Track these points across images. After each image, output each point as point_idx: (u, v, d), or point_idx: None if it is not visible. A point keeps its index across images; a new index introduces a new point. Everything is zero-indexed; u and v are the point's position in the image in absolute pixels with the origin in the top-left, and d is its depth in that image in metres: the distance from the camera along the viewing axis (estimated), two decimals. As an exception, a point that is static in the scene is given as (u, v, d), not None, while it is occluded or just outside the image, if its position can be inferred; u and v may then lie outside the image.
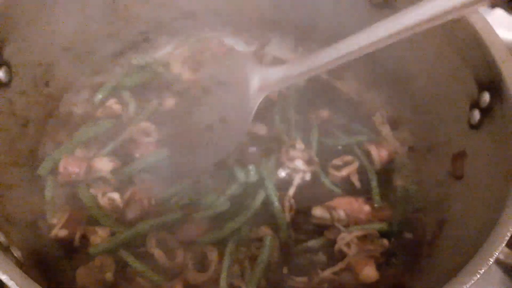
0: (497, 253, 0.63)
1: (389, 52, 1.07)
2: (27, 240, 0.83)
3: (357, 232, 0.94)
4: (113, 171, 1.00)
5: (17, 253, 0.68)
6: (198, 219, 0.93)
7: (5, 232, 0.72)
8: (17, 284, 0.55)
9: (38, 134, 1.02)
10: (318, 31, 1.22)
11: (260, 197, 0.97)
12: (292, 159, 1.03)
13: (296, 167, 1.02)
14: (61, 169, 0.98)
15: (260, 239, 0.92)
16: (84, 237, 0.91)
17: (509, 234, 0.65)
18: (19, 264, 0.62)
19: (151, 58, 1.22)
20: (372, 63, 1.14)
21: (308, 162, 1.03)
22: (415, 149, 1.07)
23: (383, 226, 0.97)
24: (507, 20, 1.32)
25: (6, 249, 0.65)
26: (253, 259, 0.90)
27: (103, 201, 0.95)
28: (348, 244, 0.93)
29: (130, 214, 0.94)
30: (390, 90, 1.14)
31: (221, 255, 0.88)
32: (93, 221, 0.94)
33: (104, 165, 0.99)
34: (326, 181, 1.02)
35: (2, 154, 0.89)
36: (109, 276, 0.85)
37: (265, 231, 0.94)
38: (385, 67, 1.13)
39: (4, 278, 0.56)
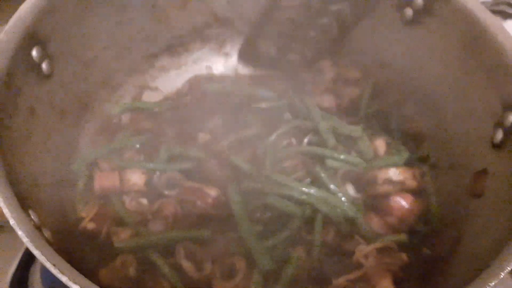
0: (508, 269, 0.64)
1: (418, 67, 1.11)
2: (55, 226, 0.88)
3: (376, 244, 0.94)
4: (147, 183, 1.02)
5: (47, 234, 0.73)
6: (230, 237, 0.93)
7: (37, 213, 0.77)
8: (47, 260, 0.59)
9: (73, 127, 1.07)
10: (351, 47, 1.25)
11: (296, 223, 0.95)
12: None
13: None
14: (96, 187, 1.00)
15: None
16: (109, 235, 0.93)
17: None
18: (49, 243, 0.66)
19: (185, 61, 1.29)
20: (399, 76, 1.17)
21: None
22: (437, 166, 1.07)
23: (402, 237, 0.96)
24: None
25: (39, 228, 0.69)
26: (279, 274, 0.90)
27: (130, 205, 0.99)
28: (366, 256, 0.93)
29: (154, 227, 0.95)
30: (416, 105, 1.15)
31: (249, 265, 0.89)
32: (119, 221, 0.97)
33: (137, 178, 1.01)
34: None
35: (40, 142, 0.93)
36: (132, 271, 0.87)
37: (299, 251, 0.93)
38: (413, 83, 1.14)
39: (36, 253, 0.60)
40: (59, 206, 0.94)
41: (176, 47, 1.26)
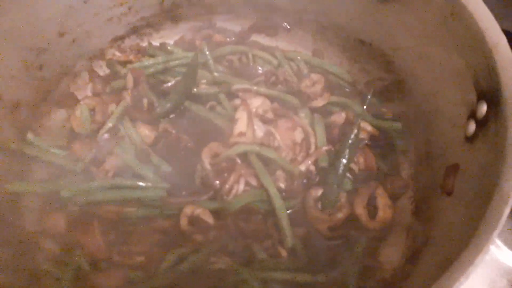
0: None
1: (395, 46, 1.01)
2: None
3: None
4: None
5: None
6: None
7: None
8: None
9: (30, 116, 1.03)
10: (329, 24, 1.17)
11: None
12: None
13: None
14: None
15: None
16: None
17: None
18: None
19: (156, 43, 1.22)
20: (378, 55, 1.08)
21: None
22: (413, 158, 0.99)
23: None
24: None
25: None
26: None
27: None
28: None
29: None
30: (397, 95, 1.06)
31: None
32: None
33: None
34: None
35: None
36: None
37: None
38: (390, 62, 1.05)
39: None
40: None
41: (144, 28, 1.20)
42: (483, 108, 0.75)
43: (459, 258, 0.63)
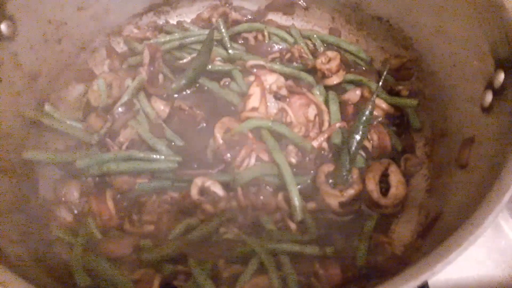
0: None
1: (411, 20, 1.00)
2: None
3: None
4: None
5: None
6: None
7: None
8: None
9: (48, 87, 1.04)
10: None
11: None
12: None
13: None
14: None
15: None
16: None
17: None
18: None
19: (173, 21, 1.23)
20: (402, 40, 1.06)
21: None
22: (428, 136, 0.97)
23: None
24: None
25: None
26: None
27: None
28: None
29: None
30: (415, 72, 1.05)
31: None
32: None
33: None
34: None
35: (4, 104, 0.92)
36: None
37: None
38: (413, 48, 1.04)
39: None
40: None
41: (162, 5, 1.21)
42: (501, 77, 0.73)
43: (463, 224, 0.61)
